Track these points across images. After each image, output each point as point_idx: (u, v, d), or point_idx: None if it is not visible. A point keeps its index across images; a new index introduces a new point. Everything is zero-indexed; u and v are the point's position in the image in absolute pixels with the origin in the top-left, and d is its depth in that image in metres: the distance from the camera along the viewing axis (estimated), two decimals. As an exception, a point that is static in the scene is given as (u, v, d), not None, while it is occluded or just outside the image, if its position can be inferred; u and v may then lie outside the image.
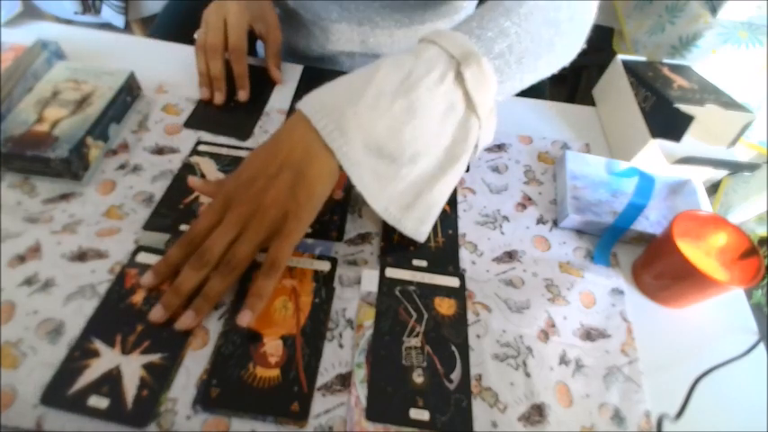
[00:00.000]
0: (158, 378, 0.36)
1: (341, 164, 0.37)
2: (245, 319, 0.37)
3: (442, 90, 0.38)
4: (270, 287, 0.38)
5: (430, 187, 0.41)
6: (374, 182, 0.39)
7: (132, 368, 0.36)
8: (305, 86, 0.62)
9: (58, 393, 0.35)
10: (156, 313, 0.38)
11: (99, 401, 0.35)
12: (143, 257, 0.43)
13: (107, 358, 0.37)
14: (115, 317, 0.39)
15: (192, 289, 0.38)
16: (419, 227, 0.43)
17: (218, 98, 0.57)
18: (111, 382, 0.35)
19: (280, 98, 0.60)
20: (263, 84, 0.61)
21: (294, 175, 0.37)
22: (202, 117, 0.56)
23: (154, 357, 0.37)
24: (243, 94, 0.58)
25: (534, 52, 0.42)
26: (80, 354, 0.37)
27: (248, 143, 0.55)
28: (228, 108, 0.58)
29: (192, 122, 0.55)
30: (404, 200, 0.41)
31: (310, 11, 0.67)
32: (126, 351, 0.37)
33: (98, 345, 0.37)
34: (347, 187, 0.51)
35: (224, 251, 0.37)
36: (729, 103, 0.55)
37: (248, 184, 0.38)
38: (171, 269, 0.39)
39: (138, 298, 0.40)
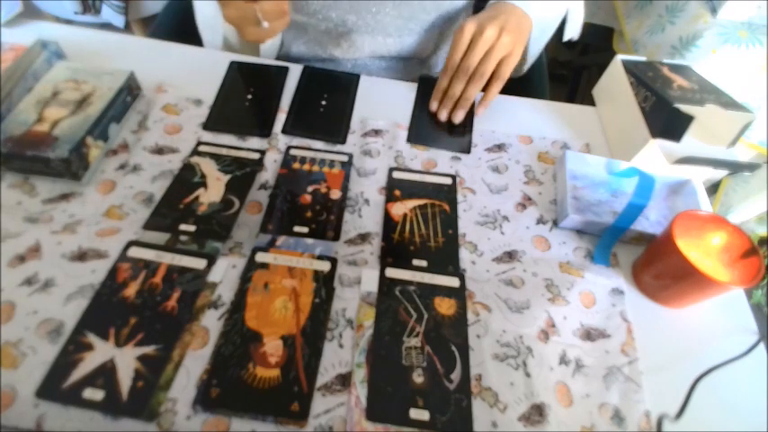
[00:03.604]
0: (153, 369, 0.36)
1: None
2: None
3: None
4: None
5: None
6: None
7: (126, 360, 0.37)
8: (305, 86, 0.62)
9: (54, 387, 0.35)
10: (441, 113, 0.59)
11: (94, 394, 0.35)
12: (134, 252, 0.43)
13: (101, 351, 0.37)
14: (108, 310, 0.39)
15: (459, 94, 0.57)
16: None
17: (443, 116, 0.60)
18: (105, 374, 0.36)
19: (287, 98, 0.60)
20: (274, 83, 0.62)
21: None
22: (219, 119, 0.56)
23: (148, 349, 0.37)
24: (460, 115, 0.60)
25: None
26: (74, 348, 0.37)
27: (248, 143, 0.55)
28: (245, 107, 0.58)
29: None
30: None
31: (325, 20, 0.65)
32: (120, 344, 0.37)
33: (92, 338, 0.37)
34: (345, 187, 0.51)
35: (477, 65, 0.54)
36: (729, 103, 0.55)
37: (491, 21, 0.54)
38: (443, 91, 0.58)
39: (130, 291, 0.40)
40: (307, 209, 0.49)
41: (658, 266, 0.45)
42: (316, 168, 0.53)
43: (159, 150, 0.52)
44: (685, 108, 0.51)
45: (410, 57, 0.72)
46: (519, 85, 0.66)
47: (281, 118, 0.58)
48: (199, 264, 0.43)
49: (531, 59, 0.66)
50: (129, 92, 0.55)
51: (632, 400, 0.39)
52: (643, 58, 0.64)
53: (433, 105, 0.60)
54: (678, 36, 0.92)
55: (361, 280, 0.44)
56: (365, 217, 0.49)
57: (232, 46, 0.67)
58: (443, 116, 0.59)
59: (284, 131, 0.57)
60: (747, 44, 0.85)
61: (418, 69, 0.75)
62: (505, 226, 0.50)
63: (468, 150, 0.57)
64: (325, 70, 0.66)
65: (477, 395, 0.38)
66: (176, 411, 0.35)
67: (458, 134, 0.59)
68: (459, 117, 0.59)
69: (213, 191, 0.49)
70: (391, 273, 0.44)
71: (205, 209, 0.47)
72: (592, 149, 0.60)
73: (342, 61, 0.71)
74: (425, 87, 0.63)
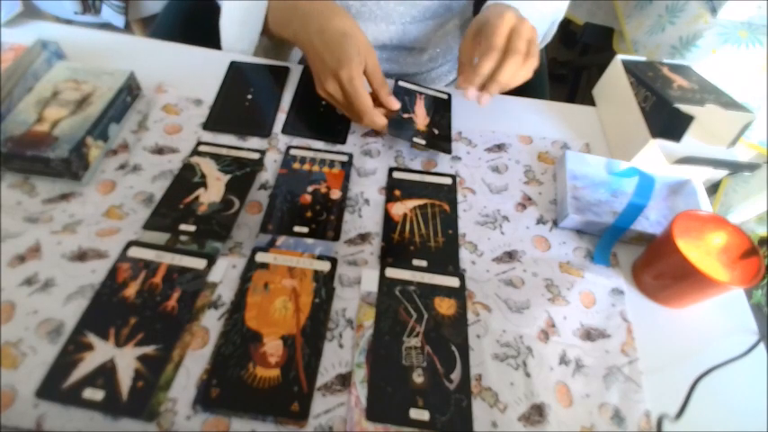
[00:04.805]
0: (153, 369, 0.36)
1: None
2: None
3: None
4: None
5: None
6: None
7: (126, 360, 0.37)
8: (305, 86, 0.62)
9: (54, 387, 0.35)
10: (483, 99, 0.53)
11: (94, 394, 0.35)
12: (134, 252, 0.43)
13: (101, 351, 0.37)
14: (108, 310, 0.39)
15: None
16: None
17: (485, 100, 0.54)
18: (105, 374, 0.36)
19: (287, 98, 0.61)
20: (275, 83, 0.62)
21: None
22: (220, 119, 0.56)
23: (148, 349, 0.37)
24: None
25: None
26: (74, 347, 0.37)
27: (248, 143, 0.55)
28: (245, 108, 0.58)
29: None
30: None
31: None
32: (120, 344, 0.37)
33: (92, 338, 0.37)
34: (345, 187, 0.51)
35: None
36: (729, 103, 0.55)
37: None
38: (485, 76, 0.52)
39: (130, 292, 0.40)
40: (307, 209, 0.49)
41: (658, 266, 0.45)
42: (316, 168, 0.53)
43: (159, 150, 0.52)
44: (685, 108, 0.51)
45: (411, 47, 0.73)
46: (519, 85, 0.66)
47: (281, 118, 0.58)
48: (199, 264, 0.43)
49: None
50: (129, 92, 0.55)
51: (632, 400, 0.39)
52: (643, 58, 0.64)
53: (471, 94, 0.52)
54: (678, 36, 0.92)
55: (361, 280, 0.44)
56: (365, 217, 0.49)
57: (258, 53, 0.67)
58: (485, 100, 0.53)
59: (284, 131, 0.57)
60: (747, 44, 0.85)
61: (418, 62, 0.76)
62: (505, 226, 0.50)
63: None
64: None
65: (477, 395, 0.38)
66: (176, 411, 0.35)
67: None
68: (486, 100, 0.54)
69: (213, 191, 0.49)
70: (391, 273, 0.44)
71: (205, 209, 0.47)
72: (592, 149, 0.60)
73: None
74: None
